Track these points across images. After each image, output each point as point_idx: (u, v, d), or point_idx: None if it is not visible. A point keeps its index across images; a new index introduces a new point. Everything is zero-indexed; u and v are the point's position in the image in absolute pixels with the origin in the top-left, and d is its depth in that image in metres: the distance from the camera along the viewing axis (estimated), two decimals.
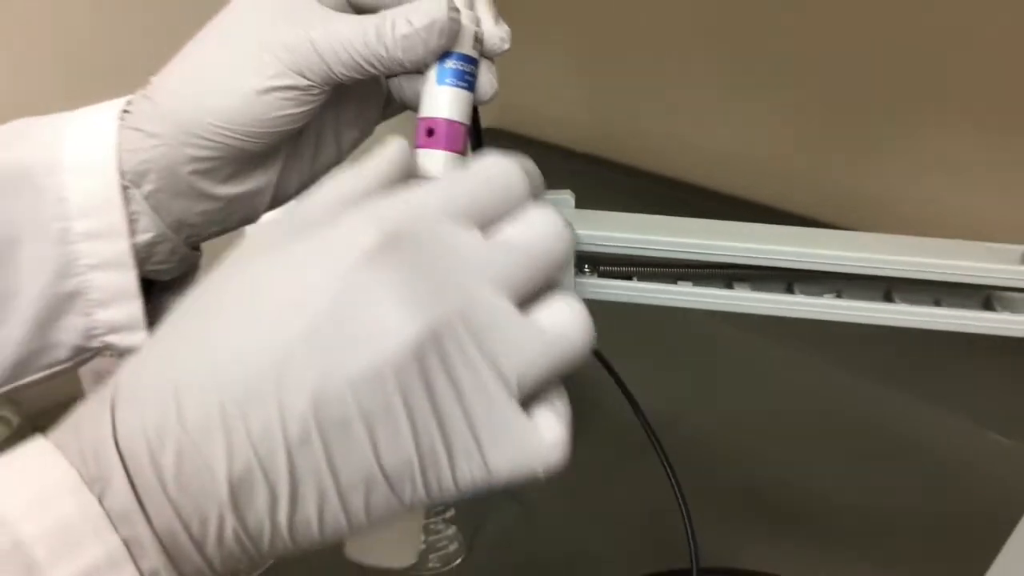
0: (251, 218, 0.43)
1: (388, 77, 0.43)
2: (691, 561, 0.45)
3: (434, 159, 0.37)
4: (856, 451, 0.72)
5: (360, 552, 0.39)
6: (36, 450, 0.27)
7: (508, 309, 0.28)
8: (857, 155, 0.82)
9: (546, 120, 1.04)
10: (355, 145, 0.45)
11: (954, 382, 0.74)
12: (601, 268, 0.41)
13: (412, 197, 0.29)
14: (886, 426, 0.75)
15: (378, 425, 0.27)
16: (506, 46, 0.39)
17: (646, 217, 0.41)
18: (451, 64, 0.37)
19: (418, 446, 0.27)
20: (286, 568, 0.59)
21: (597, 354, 0.47)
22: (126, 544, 0.26)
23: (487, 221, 0.29)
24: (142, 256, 0.41)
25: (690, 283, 0.40)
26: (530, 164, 0.32)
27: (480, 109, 0.40)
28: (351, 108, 0.43)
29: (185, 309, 0.29)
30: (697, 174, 0.93)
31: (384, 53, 0.37)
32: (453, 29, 0.37)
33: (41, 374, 0.43)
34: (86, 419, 0.28)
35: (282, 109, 0.38)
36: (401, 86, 0.42)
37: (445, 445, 0.28)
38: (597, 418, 0.76)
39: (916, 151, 0.77)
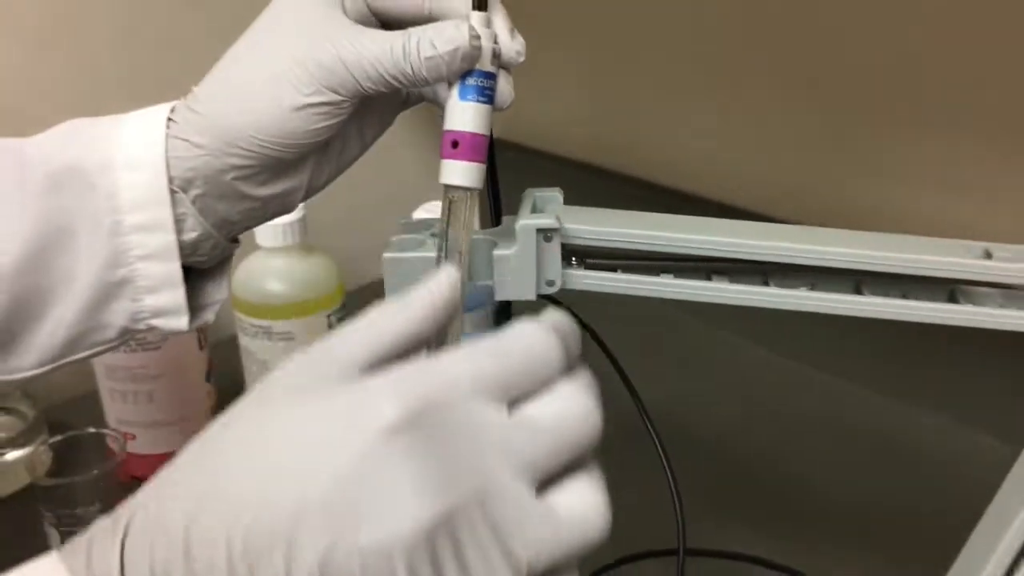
0: (287, 211, 0.47)
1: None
2: (678, 540, 0.47)
3: (459, 170, 0.40)
4: (842, 446, 0.76)
5: None
6: (47, 569, 0.28)
7: (526, 495, 0.28)
8: (853, 167, 0.84)
9: (549, 130, 1.07)
10: (377, 138, 0.48)
11: (936, 381, 0.78)
12: (588, 260, 0.43)
13: (443, 368, 0.29)
14: (869, 422, 0.79)
15: None
16: (522, 59, 0.41)
17: (630, 213, 0.43)
18: (472, 81, 0.40)
19: None
20: None
21: (601, 345, 0.49)
22: None
23: (517, 396, 0.29)
24: (187, 251, 0.45)
25: (671, 275, 0.43)
26: (567, 325, 0.31)
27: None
28: (375, 110, 0.46)
29: (207, 443, 0.29)
30: (692, 184, 0.96)
31: (410, 72, 0.40)
32: (474, 54, 0.39)
33: (89, 352, 0.47)
34: (97, 545, 0.29)
35: (316, 123, 0.41)
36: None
37: None
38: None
39: (908, 163, 0.80)
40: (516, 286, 0.42)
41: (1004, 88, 0.72)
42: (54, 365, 0.46)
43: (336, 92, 0.41)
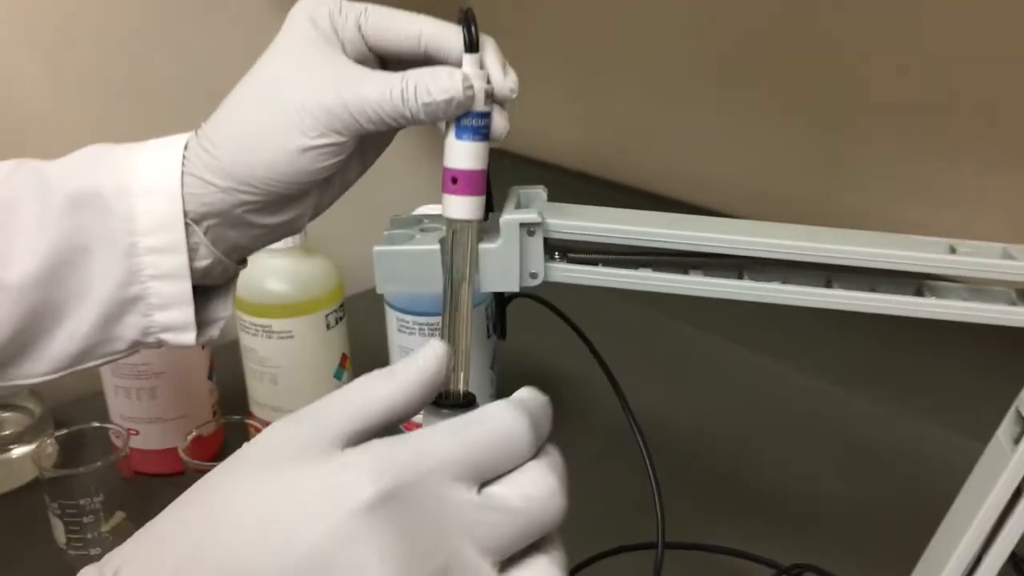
0: (294, 233, 0.50)
1: None
2: (658, 533, 0.48)
3: (459, 204, 0.41)
4: (818, 443, 0.79)
5: None
6: None
7: (488, 572, 0.30)
8: (840, 178, 0.86)
9: (544, 141, 1.09)
10: (376, 158, 0.50)
11: (908, 382, 0.81)
12: (570, 255, 0.45)
13: (418, 447, 0.31)
14: (845, 420, 0.82)
15: None
16: (514, 95, 0.43)
17: (611, 210, 0.45)
18: (467, 122, 0.41)
19: None
20: None
21: (588, 343, 0.51)
22: None
23: (487, 475, 0.31)
24: (198, 276, 0.48)
25: (650, 269, 0.44)
26: (538, 403, 0.34)
27: None
28: (372, 140, 0.48)
29: (193, 502, 0.32)
30: (680, 191, 0.98)
31: (409, 115, 0.42)
32: (467, 103, 0.41)
33: (100, 361, 0.50)
34: None
35: (321, 162, 0.44)
36: None
37: None
38: (581, 417, 0.80)
39: (893, 175, 0.81)
40: (500, 278, 0.44)
41: (980, 107, 0.74)
42: (65, 372, 0.49)
43: (339, 133, 0.43)
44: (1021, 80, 0.71)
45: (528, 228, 0.43)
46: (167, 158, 0.46)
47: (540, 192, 0.46)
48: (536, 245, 0.43)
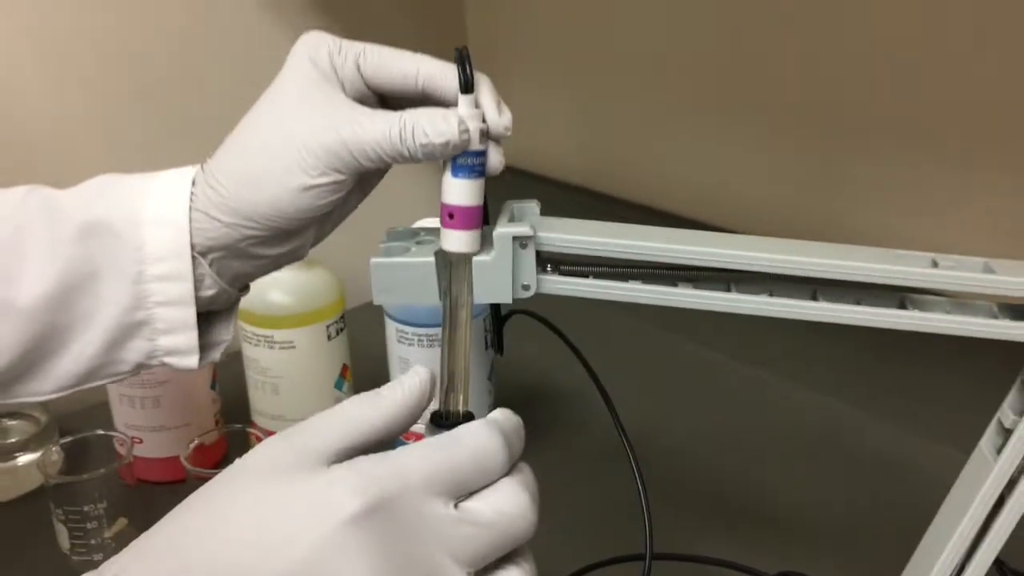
0: (296, 260, 0.52)
1: None
2: (646, 544, 0.49)
3: (455, 238, 0.43)
4: (805, 452, 0.80)
5: None
6: None
7: None
8: (837, 192, 0.87)
9: (542, 155, 1.10)
10: (374, 187, 0.51)
11: (892, 390, 0.82)
12: (562, 267, 0.46)
13: (400, 463, 0.34)
14: (831, 429, 0.83)
15: None
16: (509, 133, 0.44)
17: (602, 223, 0.46)
18: (463, 161, 0.43)
19: None
20: None
21: (579, 355, 0.52)
22: None
23: (463, 491, 0.34)
24: (203, 304, 0.50)
25: (639, 281, 0.46)
26: (512, 423, 0.37)
27: None
28: (370, 173, 0.49)
29: (187, 515, 0.34)
30: (683, 207, 0.99)
31: (406, 154, 0.44)
32: (463, 145, 0.42)
33: (104, 381, 0.51)
34: None
35: (322, 199, 0.46)
36: None
37: None
38: (576, 428, 0.81)
39: (889, 189, 0.82)
40: (493, 290, 0.45)
41: (970, 120, 0.75)
42: (70, 391, 0.51)
43: (340, 172, 0.45)
44: (1016, 97, 0.73)
45: (520, 241, 0.44)
46: (176, 190, 0.48)
47: (533, 206, 0.47)
48: (528, 258, 0.45)
